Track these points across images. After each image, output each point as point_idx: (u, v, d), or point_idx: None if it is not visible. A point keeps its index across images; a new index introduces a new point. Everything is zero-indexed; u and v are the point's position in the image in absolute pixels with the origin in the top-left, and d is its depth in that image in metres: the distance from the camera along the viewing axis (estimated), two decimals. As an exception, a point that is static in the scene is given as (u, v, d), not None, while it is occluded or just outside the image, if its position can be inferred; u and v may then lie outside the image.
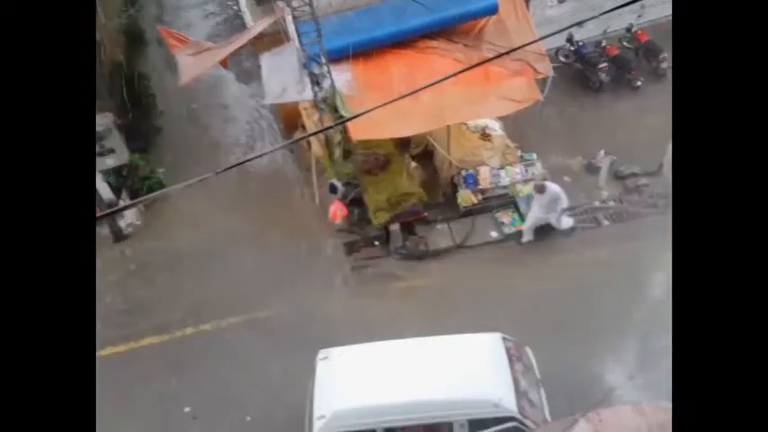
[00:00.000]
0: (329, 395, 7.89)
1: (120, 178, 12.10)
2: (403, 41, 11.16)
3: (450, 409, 7.56)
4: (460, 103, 10.48)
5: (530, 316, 9.71)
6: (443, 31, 11.27)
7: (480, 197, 11.42)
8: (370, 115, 10.76)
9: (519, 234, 11.12)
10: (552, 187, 10.50)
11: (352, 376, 8.07)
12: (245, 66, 14.99)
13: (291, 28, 10.41)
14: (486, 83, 10.57)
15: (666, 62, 12.88)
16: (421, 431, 7.79)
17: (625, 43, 13.52)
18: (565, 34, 13.21)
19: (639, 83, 12.91)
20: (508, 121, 11.83)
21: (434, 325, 9.33)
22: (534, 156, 11.73)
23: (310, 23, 9.79)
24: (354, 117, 9.23)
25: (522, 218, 11.21)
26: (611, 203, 11.41)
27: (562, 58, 13.33)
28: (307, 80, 10.34)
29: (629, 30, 13.54)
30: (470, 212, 11.42)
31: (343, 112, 10.21)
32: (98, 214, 8.84)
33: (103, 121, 11.59)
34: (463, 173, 11.49)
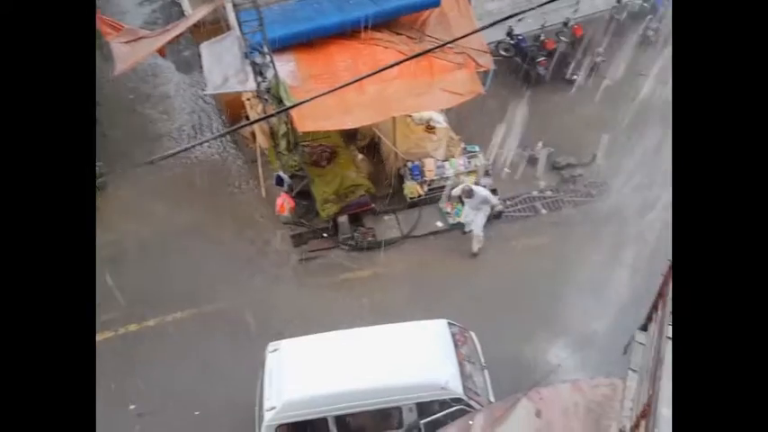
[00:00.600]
0: (279, 386, 7.92)
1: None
2: (347, 32, 11.16)
3: (398, 394, 7.74)
4: (405, 96, 10.63)
5: (474, 302, 10.04)
6: (387, 22, 11.37)
7: (426, 188, 11.64)
8: (316, 107, 10.86)
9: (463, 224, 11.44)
10: (479, 190, 10.62)
11: (301, 367, 8.12)
12: (184, 55, 14.60)
13: (232, 16, 10.22)
14: (429, 76, 10.75)
15: (601, 57, 13.47)
16: (371, 417, 7.96)
17: (562, 37, 14.03)
18: (505, 28, 13.59)
19: (575, 77, 13.44)
20: (452, 114, 12.10)
21: (382, 314, 9.51)
22: (477, 148, 12.05)
23: (251, 12, 9.65)
24: (296, 105, 9.25)
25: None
26: (549, 193, 11.90)
27: (502, 52, 13.70)
28: (249, 70, 10.19)
29: (565, 24, 14.06)
30: (416, 203, 11.64)
31: (287, 103, 10.16)
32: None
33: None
34: (409, 165, 11.67)
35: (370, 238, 11.30)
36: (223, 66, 10.33)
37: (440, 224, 11.51)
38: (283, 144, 10.95)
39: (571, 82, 13.46)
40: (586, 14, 14.31)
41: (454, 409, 7.55)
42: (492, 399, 7.93)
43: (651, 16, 13.93)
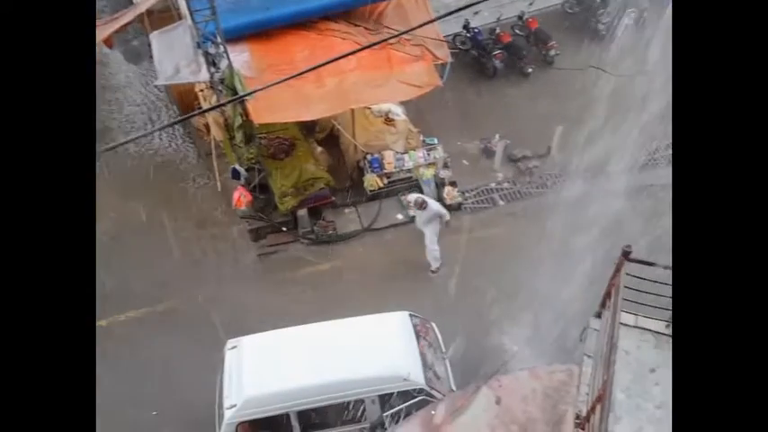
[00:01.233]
0: (239, 384, 7.80)
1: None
2: (303, 23, 11.02)
3: (361, 387, 7.75)
4: (363, 88, 10.59)
5: (434, 293, 10.13)
6: (344, 13, 11.27)
7: (386, 181, 11.65)
8: (273, 98, 10.67)
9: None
10: (432, 204, 10.29)
11: (262, 363, 8.02)
12: (133, 45, 14.09)
13: (183, 5, 9.93)
14: (387, 68, 10.73)
15: (555, 50, 13.74)
16: (334, 411, 7.93)
17: (517, 30, 14.24)
18: (462, 21, 13.68)
19: (530, 69, 13.68)
20: (410, 106, 12.12)
21: (344, 307, 9.46)
22: (436, 140, 12.13)
23: (204, 1, 9.40)
24: (249, 94, 9.09)
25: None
26: (506, 185, 12.10)
27: (459, 45, 13.80)
28: (202, 60, 9.93)
29: (520, 17, 14.27)
30: (377, 196, 11.63)
31: (242, 94, 9.96)
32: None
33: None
34: (369, 157, 11.65)
35: (330, 232, 11.23)
36: (174, 56, 10.04)
37: (400, 216, 11.54)
38: (239, 136, 10.74)
39: (526, 74, 13.69)
40: (541, 8, 14.58)
41: (417, 399, 7.60)
42: (454, 388, 8.03)
43: (602, 10, 14.28)
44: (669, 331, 5.42)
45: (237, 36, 10.40)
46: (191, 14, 9.56)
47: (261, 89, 8.77)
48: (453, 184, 11.74)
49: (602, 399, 4.46)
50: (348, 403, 7.83)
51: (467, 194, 11.83)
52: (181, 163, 12.51)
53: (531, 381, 6.58)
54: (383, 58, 10.79)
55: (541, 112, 12.77)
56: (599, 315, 5.82)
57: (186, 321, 9.94)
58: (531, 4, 14.36)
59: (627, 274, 5.24)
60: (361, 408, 7.83)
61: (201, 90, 11.37)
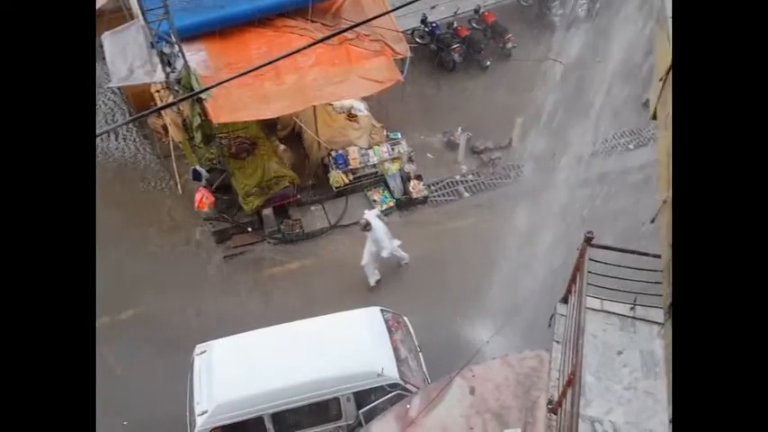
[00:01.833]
0: (209, 389, 7.67)
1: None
2: (260, 20, 10.88)
3: (335, 385, 7.72)
4: (323, 84, 10.53)
5: (404, 286, 10.17)
6: (301, 10, 11.16)
7: (351, 177, 11.62)
8: (232, 97, 10.46)
9: (390, 210, 11.52)
10: (376, 223, 9.99)
11: (232, 367, 7.90)
12: (84, 46, 13.59)
13: (134, 4, 9.64)
14: (347, 63, 10.70)
15: (511, 42, 13.93)
16: (309, 411, 7.87)
17: (474, 24, 14.37)
18: (419, 16, 13.73)
19: (488, 63, 13.84)
20: (372, 102, 12.10)
21: (314, 305, 9.42)
22: (399, 135, 12.16)
23: (156, 0, 9.14)
24: (204, 90, 8.93)
25: (393, 194, 11.61)
26: (470, 176, 12.23)
27: (418, 39, 13.85)
28: (157, 61, 9.67)
29: (476, 11, 14.40)
30: (343, 192, 11.59)
31: (201, 94, 9.75)
32: None
33: None
34: (333, 154, 11.59)
35: (297, 230, 11.13)
36: (128, 57, 9.73)
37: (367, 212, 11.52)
38: (198, 137, 10.50)
39: (485, 68, 13.85)
40: (496, 1, 14.76)
41: (392, 394, 7.62)
42: (428, 379, 8.08)
43: (556, 2, 14.55)
44: (633, 314, 5.59)
45: (193, 35, 10.19)
46: (143, 14, 9.29)
47: (215, 86, 8.63)
48: (419, 177, 11.80)
49: (572, 383, 4.55)
50: (323, 402, 7.79)
51: (432, 187, 11.92)
52: (139, 166, 12.18)
53: (504, 369, 6.69)
54: (342, 54, 10.75)
55: (501, 104, 12.95)
56: (565, 300, 5.94)
57: (152, 328, 9.70)
58: (487, -3, 14.52)
59: (590, 259, 5.37)
60: (337, 406, 7.80)
61: (158, 91, 11.08)
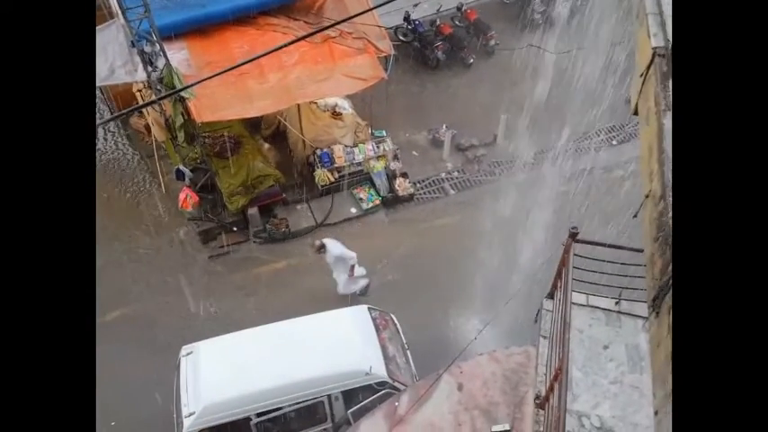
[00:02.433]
0: (196, 390, 7.61)
1: None
2: (242, 18, 10.79)
3: (323, 385, 7.71)
4: (307, 82, 10.48)
5: (391, 284, 10.17)
6: (283, 7, 11.11)
7: (337, 175, 11.59)
8: (215, 96, 10.36)
9: (376, 208, 11.52)
10: (331, 246, 9.63)
11: (219, 368, 7.85)
12: (62, 45, 13.38)
13: (114, 2, 9.50)
14: (331, 62, 10.66)
15: (494, 40, 13.99)
16: (296, 411, 7.85)
17: (457, 22, 14.41)
18: (402, 14, 13.73)
19: (472, 60, 13.88)
20: (357, 100, 12.08)
21: (302, 305, 9.38)
22: (384, 133, 12.16)
23: (136, -2, 9.03)
24: (185, 88, 8.85)
25: (379, 192, 11.61)
26: (456, 174, 12.27)
27: (401, 37, 13.86)
28: (138, 60, 9.56)
29: (459, 9, 14.44)
30: (329, 191, 11.56)
31: (183, 93, 9.65)
32: None
33: None
34: (318, 152, 11.55)
35: (283, 229, 11.08)
36: (109, 56, 9.60)
37: (353, 210, 11.53)
38: (181, 136, 10.41)
39: (468, 65, 13.89)
40: (479, -1, 14.80)
41: (382, 393, 7.62)
42: (416, 377, 8.10)
43: (538, 0, 14.63)
44: (619, 308, 5.65)
45: (174, 34, 10.07)
46: (123, 13, 9.16)
47: (196, 83, 8.53)
48: (404, 175, 11.81)
49: (559, 378, 4.58)
50: (311, 402, 7.76)
51: (418, 185, 11.94)
52: (122, 166, 12.03)
53: (491, 364, 6.72)
54: (326, 52, 10.71)
55: (485, 101, 13.01)
56: (551, 296, 5.98)
57: (138, 329, 9.61)
58: (470, -6, 14.56)
59: (575, 254, 5.40)
60: (325, 405, 7.79)
61: (139, 90, 10.94)
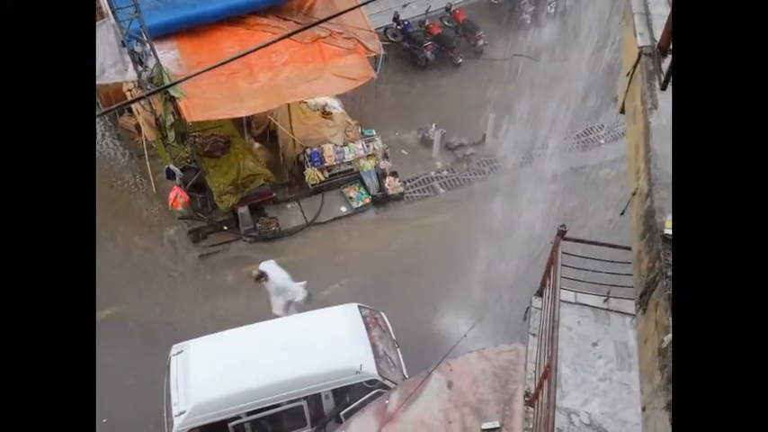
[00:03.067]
0: (187, 389, 7.60)
1: None
2: (232, 18, 10.78)
3: (313, 383, 7.73)
4: (297, 82, 10.50)
5: (381, 282, 10.21)
6: (273, 7, 11.10)
7: (327, 174, 11.61)
8: (205, 96, 10.34)
9: (366, 207, 11.55)
10: (274, 275, 9.13)
11: (209, 367, 7.84)
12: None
13: (104, 2, 9.46)
14: (321, 61, 10.68)
15: (483, 40, 14.08)
16: (287, 409, 7.86)
17: (445, 22, 14.48)
18: (392, 14, 13.78)
19: (461, 60, 13.96)
20: (347, 99, 12.11)
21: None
22: (374, 132, 12.20)
23: (126, -2, 8.99)
24: (172, 85, 8.83)
25: (368, 191, 11.65)
26: (445, 173, 12.34)
27: (391, 37, 13.90)
28: (128, 59, 9.52)
29: (448, 9, 14.50)
30: (319, 190, 11.59)
31: (173, 93, 9.63)
32: None
33: None
34: (308, 151, 11.56)
35: (273, 228, 11.08)
36: (99, 56, 9.54)
37: (344, 209, 11.56)
38: (172, 135, 10.38)
39: (457, 65, 13.96)
40: (468, -1, 14.87)
41: (373, 392, 7.65)
42: (407, 375, 8.15)
43: (526, 1, 14.74)
44: (607, 305, 5.73)
45: (165, 33, 10.05)
46: (113, 12, 9.13)
47: (184, 80, 8.48)
48: (394, 174, 11.86)
49: (548, 375, 4.64)
50: (301, 400, 7.78)
51: (408, 184, 12.00)
52: (112, 166, 11.97)
53: (481, 362, 6.79)
54: (316, 52, 10.73)
55: (474, 100, 13.09)
56: (540, 293, 6.05)
57: (128, 328, 9.57)
58: (458, -6, 14.62)
59: (564, 252, 5.47)
60: (316, 404, 7.81)
61: (130, 90, 10.88)
